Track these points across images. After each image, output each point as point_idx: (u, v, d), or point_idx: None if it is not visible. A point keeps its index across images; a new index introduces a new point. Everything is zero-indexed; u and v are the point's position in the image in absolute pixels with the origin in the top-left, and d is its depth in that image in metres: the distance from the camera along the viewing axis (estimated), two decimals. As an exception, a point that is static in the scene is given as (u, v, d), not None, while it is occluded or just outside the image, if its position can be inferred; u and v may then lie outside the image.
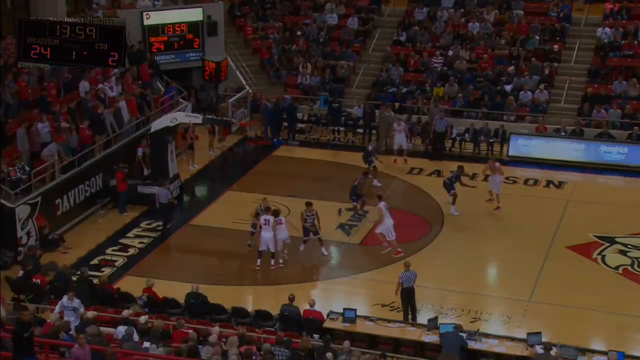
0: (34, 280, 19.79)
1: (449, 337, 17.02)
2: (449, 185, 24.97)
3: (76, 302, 17.54)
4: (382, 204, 22.48)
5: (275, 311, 18.70)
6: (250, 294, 21.16)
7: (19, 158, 22.82)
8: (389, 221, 22.27)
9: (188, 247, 23.42)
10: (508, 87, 31.72)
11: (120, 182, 24.79)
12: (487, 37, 33.84)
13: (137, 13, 31.49)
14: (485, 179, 26.30)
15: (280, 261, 21.87)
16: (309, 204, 22.30)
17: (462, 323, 18.08)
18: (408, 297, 19.16)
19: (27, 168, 22.53)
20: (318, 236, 22.32)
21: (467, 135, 29.93)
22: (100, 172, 25.20)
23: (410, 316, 19.12)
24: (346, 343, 16.33)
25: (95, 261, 22.20)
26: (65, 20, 13.78)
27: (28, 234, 22.37)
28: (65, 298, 17.56)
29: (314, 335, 17.64)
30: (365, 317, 18.46)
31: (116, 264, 22.18)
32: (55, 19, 13.75)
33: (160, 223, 24.12)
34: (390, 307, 19.69)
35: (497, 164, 25.61)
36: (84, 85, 26.39)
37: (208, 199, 26.98)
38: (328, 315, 18.47)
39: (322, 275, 21.83)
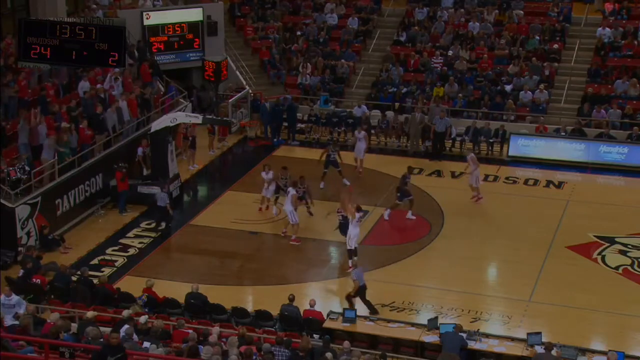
0: (34, 280, 19.80)
1: (449, 337, 17.04)
2: (405, 191, 24.50)
3: (15, 299, 17.41)
4: (290, 189, 23.24)
5: (275, 311, 18.72)
6: (250, 294, 21.17)
7: (18, 158, 22.81)
8: (287, 207, 22.89)
9: (188, 247, 23.42)
10: (508, 87, 31.73)
11: (120, 182, 24.77)
12: (487, 37, 33.85)
13: (137, 13, 31.50)
14: (486, 179, 26.33)
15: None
16: (284, 168, 24.75)
17: (462, 323, 18.08)
18: (362, 294, 19.28)
19: (27, 168, 22.52)
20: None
21: (466, 136, 29.90)
22: (100, 172, 25.19)
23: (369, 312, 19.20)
24: (346, 343, 16.33)
25: (95, 261, 22.19)
26: (65, 20, 13.76)
27: (28, 234, 22.36)
28: (3, 295, 17.48)
29: (314, 335, 17.66)
30: (365, 317, 18.49)
31: (116, 264, 22.17)
32: (55, 19, 13.73)
33: (162, 223, 24.12)
34: (391, 307, 19.70)
35: (472, 154, 25.93)
36: (83, 85, 26.39)
37: (208, 199, 26.96)
38: (328, 315, 18.48)
39: (322, 275, 21.83)
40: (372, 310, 19.23)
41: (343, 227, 22.14)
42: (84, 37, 13.12)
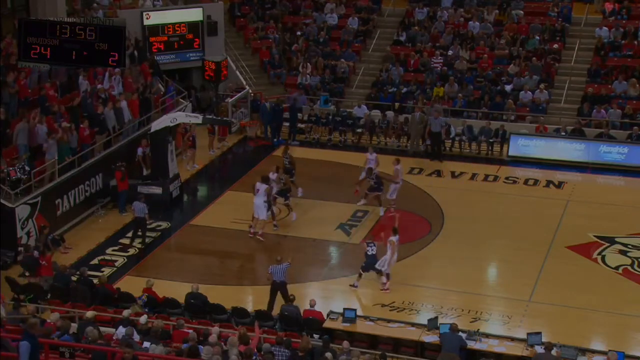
0: (41, 261, 20.18)
1: (447, 337, 17.03)
2: (380, 185, 24.58)
3: None
4: (260, 184, 23.18)
5: (275, 311, 18.71)
6: (250, 294, 21.16)
7: (18, 158, 22.80)
8: (256, 200, 23.02)
9: (188, 247, 23.41)
10: (508, 87, 31.73)
11: (120, 182, 24.76)
12: (487, 37, 33.85)
13: (137, 13, 31.50)
14: (486, 179, 26.23)
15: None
16: (278, 168, 24.44)
17: (462, 323, 18.09)
18: (276, 290, 19.34)
19: (27, 168, 22.52)
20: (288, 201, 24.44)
21: (464, 136, 29.87)
22: (100, 172, 25.18)
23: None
24: (345, 343, 16.33)
25: (95, 261, 22.19)
26: (65, 20, 13.77)
27: (28, 234, 22.37)
28: None
29: (314, 335, 17.66)
30: (365, 317, 18.48)
31: (116, 264, 22.17)
32: (55, 19, 13.74)
33: (162, 223, 24.11)
34: (390, 307, 19.71)
35: (398, 166, 25.00)
36: (83, 85, 26.37)
37: (208, 199, 26.96)
38: (328, 315, 18.48)
39: (322, 275, 21.83)
40: (269, 307, 19.20)
41: (369, 260, 20.60)
42: (84, 37, 13.13)
